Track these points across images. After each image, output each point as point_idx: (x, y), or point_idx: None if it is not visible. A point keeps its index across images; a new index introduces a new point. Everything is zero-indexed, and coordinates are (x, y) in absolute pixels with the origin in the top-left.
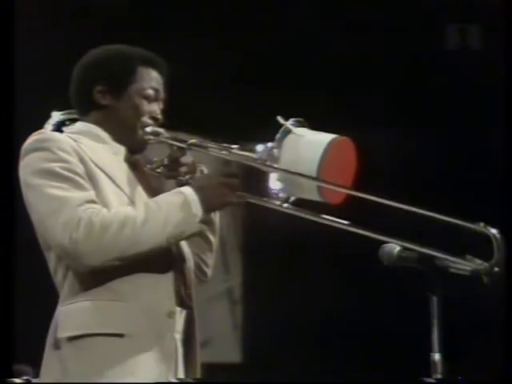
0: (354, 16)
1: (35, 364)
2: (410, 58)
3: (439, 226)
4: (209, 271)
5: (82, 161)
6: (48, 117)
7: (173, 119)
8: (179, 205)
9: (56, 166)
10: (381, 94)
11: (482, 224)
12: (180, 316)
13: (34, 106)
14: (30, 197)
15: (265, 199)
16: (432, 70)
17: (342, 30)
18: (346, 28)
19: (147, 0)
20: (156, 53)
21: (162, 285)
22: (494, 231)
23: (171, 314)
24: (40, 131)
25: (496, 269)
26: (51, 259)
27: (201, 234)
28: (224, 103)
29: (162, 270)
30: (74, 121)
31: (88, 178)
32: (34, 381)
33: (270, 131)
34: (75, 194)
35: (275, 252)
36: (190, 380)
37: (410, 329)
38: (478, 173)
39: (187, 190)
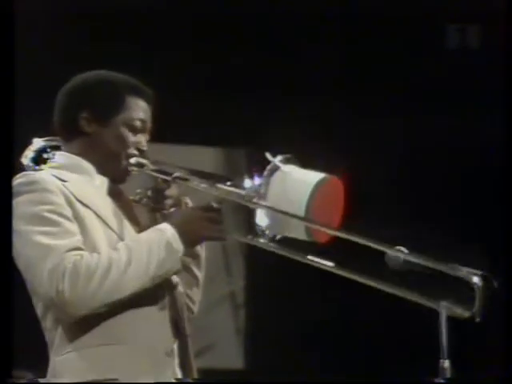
0: (353, 16)
1: (35, 368)
2: (409, 58)
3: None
4: (195, 308)
5: (68, 202)
6: (45, 122)
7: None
8: (160, 244)
9: (43, 210)
10: (380, 94)
11: (465, 270)
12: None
13: (33, 110)
14: (16, 242)
15: (249, 237)
16: (432, 69)
17: (341, 30)
18: (345, 28)
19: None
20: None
21: (157, 322)
22: (476, 279)
23: (170, 353)
24: (24, 173)
25: (477, 319)
26: (38, 306)
27: (186, 270)
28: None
29: (154, 306)
30: (55, 148)
31: (75, 220)
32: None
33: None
34: (60, 242)
35: (279, 254)
36: (189, 380)
37: (415, 332)
38: (478, 173)
39: (166, 227)
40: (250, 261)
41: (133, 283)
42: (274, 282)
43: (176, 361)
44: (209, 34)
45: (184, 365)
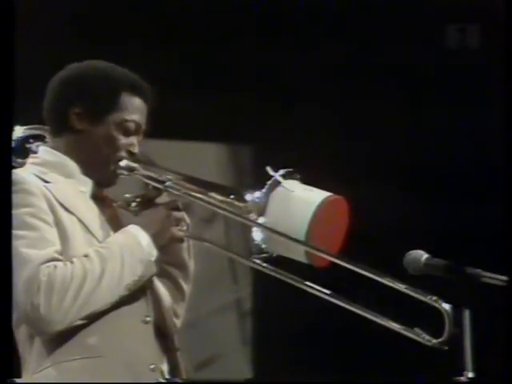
0: (353, 16)
1: None
2: (409, 57)
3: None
4: (179, 323)
5: (50, 206)
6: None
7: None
8: (132, 249)
9: (22, 213)
10: (379, 94)
11: (434, 298)
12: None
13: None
14: None
15: (240, 255)
16: (432, 69)
17: (341, 30)
18: (345, 28)
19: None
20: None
21: (140, 335)
22: (446, 306)
23: (155, 369)
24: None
25: (445, 347)
26: (14, 317)
27: (173, 282)
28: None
29: (137, 319)
30: (37, 138)
31: (56, 226)
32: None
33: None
34: (37, 252)
35: (286, 260)
36: (178, 380)
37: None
38: (478, 173)
39: (136, 231)
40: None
41: (108, 293)
42: (282, 288)
43: (164, 377)
44: (212, 28)
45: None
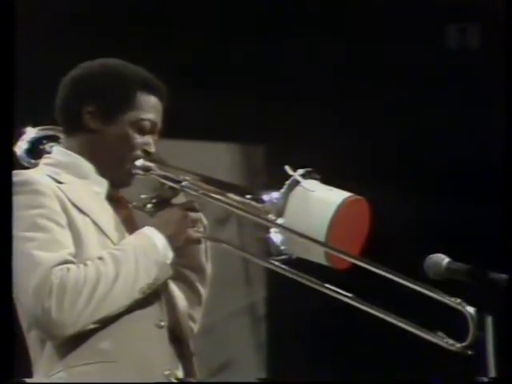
0: (353, 15)
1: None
2: (409, 58)
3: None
4: (196, 327)
5: (63, 207)
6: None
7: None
8: (147, 252)
9: (34, 214)
10: (379, 94)
11: (458, 300)
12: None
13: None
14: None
15: (258, 257)
16: (432, 69)
17: (340, 30)
18: (344, 28)
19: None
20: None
21: (155, 340)
22: (470, 310)
23: (170, 375)
24: (18, 172)
25: (469, 352)
26: (23, 318)
27: (190, 286)
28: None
29: (151, 323)
30: (52, 138)
31: (69, 228)
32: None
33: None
34: (48, 255)
35: (302, 261)
36: (192, 380)
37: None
38: (478, 174)
39: (152, 232)
40: (271, 270)
41: (121, 297)
42: (297, 292)
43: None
44: (223, 28)
45: None
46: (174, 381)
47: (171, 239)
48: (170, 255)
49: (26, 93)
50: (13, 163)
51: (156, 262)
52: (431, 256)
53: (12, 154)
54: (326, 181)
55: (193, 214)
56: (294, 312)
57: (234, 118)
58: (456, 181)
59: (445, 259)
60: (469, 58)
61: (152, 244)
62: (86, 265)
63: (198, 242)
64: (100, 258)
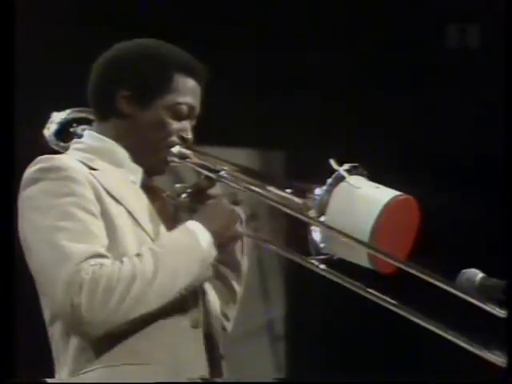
0: (353, 16)
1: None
2: (409, 58)
3: None
4: (229, 326)
5: (97, 195)
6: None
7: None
8: (190, 249)
9: (66, 202)
10: (379, 94)
11: (503, 311)
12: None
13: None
14: (29, 238)
15: (297, 255)
16: (432, 69)
17: (340, 30)
18: (344, 27)
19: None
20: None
21: (191, 340)
22: None
23: (204, 379)
24: (46, 156)
25: None
26: (46, 311)
27: (224, 282)
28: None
29: (187, 320)
30: (81, 121)
31: (103, 218)
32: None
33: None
34: (80, 246)
35: (323, 277)
36: (198, 380)
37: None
38: (478, 174)
39: (197, 227)
40: (291, 285)
41: (158, 297)
42: (318, 310)
43: None
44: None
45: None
46: (199, 381)
47: (217, 235)
48: (213, 253)
49: (25, 93)
50: (13, 163)
51: (198, 261)
52: (464, 271)
53: (12, 153)
54: None
55: (238, 209)
56: (315, 331)
57: (253, 124)
58: (455, 182)
59: (478, 274)
60: (469, 57)
61: (196, 240)
62: (121, 261)
63: (241, 238)
64: (138, 255)
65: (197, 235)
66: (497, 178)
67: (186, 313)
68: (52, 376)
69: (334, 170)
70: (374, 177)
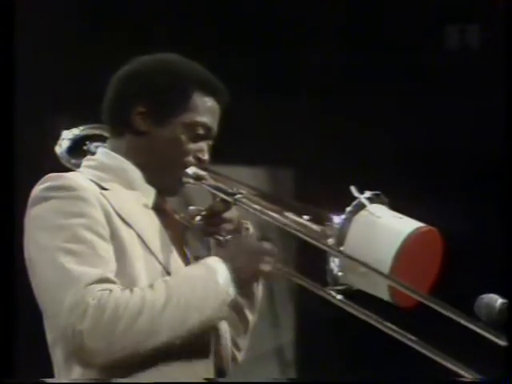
0: (353, 16)
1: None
2: (409, 58)
3: None
4: (240, 356)
5: (107, 217)
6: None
7: None
8: (207, 287)
9: (75, 224)
10: (379, 95)
11: None
12: None
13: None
14: (35, 258)
15: (312, 283)
16: (432, 69)
17: (340, 30)
18: (344, 27)
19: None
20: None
21: (198, 370)
22: None
23: (206, 379)
24: (56, 174)
25: None
26: (49, 333)
27: (237, 311)
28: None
29: (197, 351)
30: (96, 138)
31: (112, 241)
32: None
33: None
34: (87, 270)
35: (361, 294)
36: (205, 381)
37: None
38: (478, 174)
39: (217, 265)
40: (301, 309)
41: (167, 330)
42: (329, 335)
43: None
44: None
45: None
46: (201, 380)
47: (238, 272)
48: (231, 292)
49: (26, 93)
50: (13, 163)
51: (213, 300)
52: (482, 296)
53: (12, 153)
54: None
55: (267, 245)
56: (326, 357)
57: (260, 142)
58: (455, 182)
59: (498, 300)
60: (469, 58)
61: (214, 278)
62: (131, 290)
63: (269, 277)
64: (150, 286)
65: (216, 273)
66: (497, 178)
67: (198, 345)
68: (51, 376)
69: (353, 197)
70: (374, 177)
